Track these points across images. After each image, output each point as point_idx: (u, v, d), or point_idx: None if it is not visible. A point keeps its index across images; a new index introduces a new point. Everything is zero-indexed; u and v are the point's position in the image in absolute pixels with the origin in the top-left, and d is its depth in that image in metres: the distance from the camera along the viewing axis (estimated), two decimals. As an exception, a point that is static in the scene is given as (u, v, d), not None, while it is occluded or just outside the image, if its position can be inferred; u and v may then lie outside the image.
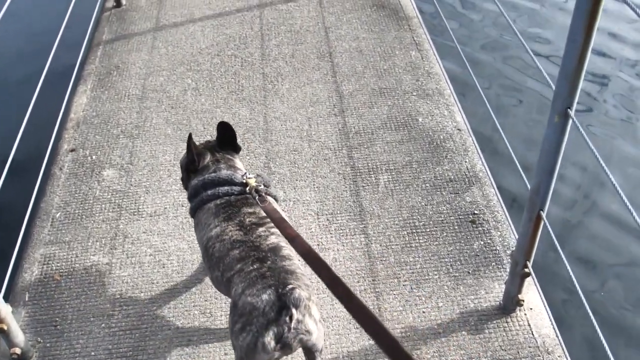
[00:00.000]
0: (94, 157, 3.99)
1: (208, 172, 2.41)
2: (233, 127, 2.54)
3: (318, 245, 3.26)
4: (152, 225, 3.50)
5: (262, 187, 2.30)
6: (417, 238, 3.24)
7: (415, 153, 3.74)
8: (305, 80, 4.40)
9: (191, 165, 2.48)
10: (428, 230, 3.28)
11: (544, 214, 2.38)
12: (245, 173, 2.37)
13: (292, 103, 4.20)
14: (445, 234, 3.25)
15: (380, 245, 3.23)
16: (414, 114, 4.02)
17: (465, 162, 3.66)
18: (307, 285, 2.03)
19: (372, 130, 3.92)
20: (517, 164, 2.84)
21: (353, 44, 4.73)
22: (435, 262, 3.12)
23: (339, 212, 3.44)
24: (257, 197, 2.22)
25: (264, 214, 2.22)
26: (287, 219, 2.24)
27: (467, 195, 3.46)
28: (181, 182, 2.82)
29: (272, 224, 2.15)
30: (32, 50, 6.11)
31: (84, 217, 3.61)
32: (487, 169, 3.57)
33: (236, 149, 2.59)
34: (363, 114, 4.05)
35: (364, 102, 4.15)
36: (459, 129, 3.88)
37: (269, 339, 1.88)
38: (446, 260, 3.12)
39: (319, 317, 2.01)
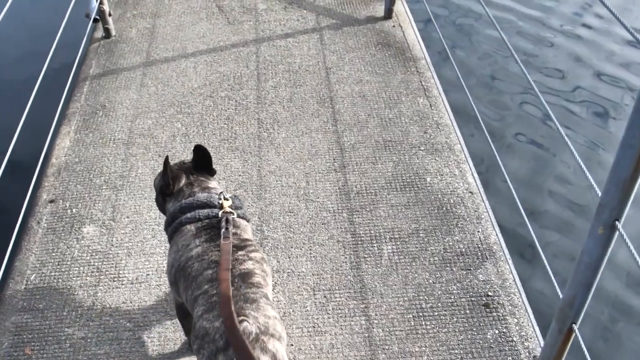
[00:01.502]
0: (74, 210, 3.69)
1: (184, 196, 2.40)
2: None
3: (314, 327, 2.96)
4: (132, 295, 3.19)
5: (234, 214, 2.29)
6: (423, 323, 2.94)
7: (422, 219, 3.44)
8: (304, 128, 4.09)
9: (166, 188, 2.47)
10: (436, 314, 2.98)
11: (576, 327, 2.08)
12: (221, 193, 2.37)
13: (289, 155, 3.90)
14: (455, 320, 2.95)
15: (383, 330, 2.93)
16: (422, 172, 3.72)
17: (478, 232, 3.36)
18: (270, 317, 1.96)
19: (376, 191, 3.62)
20: (535, 239, 2.57)
21: (356, 88, 4.43)
22: (444, 353, 2.82)
23: (337, 287, 3.13)
24: (223, 230, 2.18)
25: (245, 237, 2.26)
26: (251, 237, 2.34)
27: (480, 273, 3.16)
28: (156, 205, 2.76)
29: (252, 247, 2.20)
30: (18, 80, 5.82)
31: (60, 280, 3.31)
32: (502, 242, 3.28)
33: (211, 172, 2.58)
34: (366, 171, 3.75)
35: (367, 157, 3.85)
36: (470, 192, 3.58)
37: None
38: (456, 351, 2.82)
39: (280, 353, 1.91)
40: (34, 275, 3.35)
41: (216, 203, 2.31)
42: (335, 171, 3.76)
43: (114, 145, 4.12)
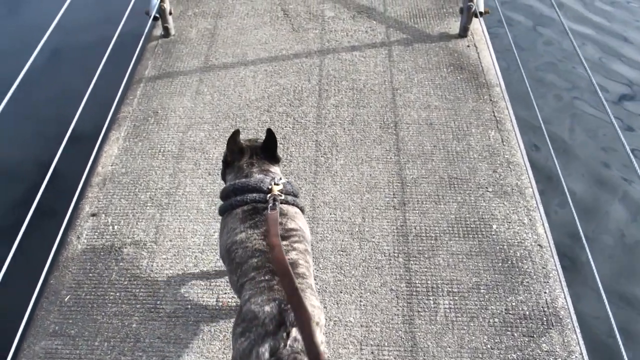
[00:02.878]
0: (116, 227, 3.50)
1: (241, 174, 2.45)
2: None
3: (359, 390, 2.70)
4: (168, 329, 2.99)
5: (284, 196, 2.30)
6: (480, 398, 2.66)
7: (484, 273, 3.15)
8: (364, 156, 3.83)
9: (227, 158, 2.55)
10: (494, 388, 2.69)
11: None
12: (275, 179, 2.37)
13: (346, 185, 3.64)
14: (515, 398, 2.66)
15: (435, 401, 2.65)
16: (488, 217, 3.42)
17: (545, 293, 3.05)
18: (315, 307, 2.03)
19: (436, 235, 3.34)
20: (607, 304, 2.28)
21: (423, 114, 4.14)
22: None
23: (386, 343, 2.88)
24: (269, 205, 2.22)
25: (290, 226, 2.25)
26: (307, 235, 2.36)
27: (543, 341, 2.86)
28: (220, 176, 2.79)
29: (297, 238, 2.21)
30: (73, 78, 5.67)
31: (95, 305, 3.13)
32: (570, 307, 2.96)
33: (275, 158, 2.56)
34: (427, 211, 3.47)
35: (430, 195, 3.56)
36: (540, 245, 3.27)
37: (264, 350, 1.89)
38: None
39: (320, 340, 1.94)
40: (68, 297, 3.18)
41: (265, 188, 2.32)
42: (394, 208, 3.49)
43: (163, 158, 3.92)
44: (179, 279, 3.20)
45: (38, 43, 3.11)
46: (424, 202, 3.52)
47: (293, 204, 2.35)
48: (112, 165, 3.90)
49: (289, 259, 2.08)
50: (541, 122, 3.25)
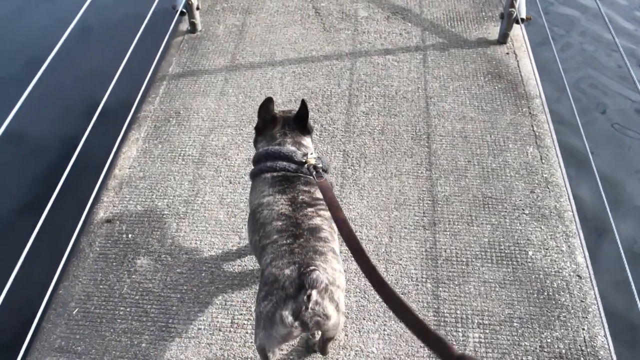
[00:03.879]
0: (130, 235, 3.33)
1: (273, 142, 2.48)
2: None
3: None
4: (179, 351, 2.82)
5: (320, 167, 2.33)
6: None
7: (518, 304, 2.93)
8: (394, 169, 3.61)
9: (258, 124, 2.61)
10: None
11: None
12: (307, 153, 2.40)
13: (374, 201, 3.44)
14: None
15: None
16: (523, 242, 3.20)
17: (583, 330, 2.83)
18: (335, 270, 2.08)
19: (468, 260, 3.12)
20: None
21: (458, 126, 3.91)
22: None
23: (412, 380, 2.67)
24: (314, 173, 2.26)
25: (317, 196, 2.28)
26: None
27: (582, 386, 2.64)
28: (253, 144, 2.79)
29: (323, 206, 2.23)
30: (97, 72, 5.52)
31: (104, 320, 2.96)
32: (611, 347, 2.74)
33: (304, 130, 2.58)
34: (458, 232, 3.25)
35: (462, 215, 3.34)
36: (579, 276, 3.05)
37: (287, 313, 1.95)
38: None
39: (341, 304, 2.07)
40: (76, 310, 3.02)
41: (296, 159, 2.37)
42: (423, 228, 3.28)
43: (183, 162, 3.74)
44: (193, 296, 3.03)
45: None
46: (456, 223, 3.30)
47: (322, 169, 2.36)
48: (129, 168, 3.73)
49: (313, 224, 2.16)
50: (585, 142, 3.03)
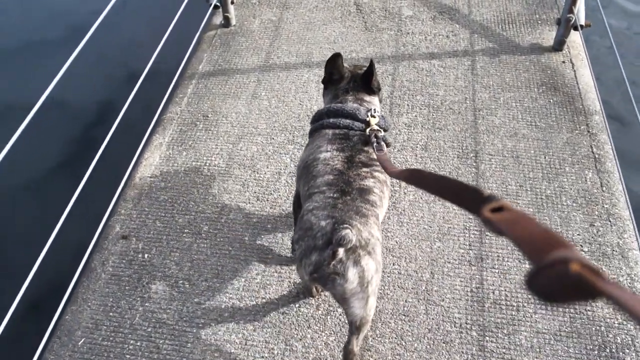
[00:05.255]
0: (146, 255, 3.05)
1: (337, 99, 2.47)
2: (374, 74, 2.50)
3: None
4: (193, 396, 2.52)
5: (381, 132, 2.28)
6: None
7: (576, 362, 2.58)
8: (437, 192, 3.26)
9: (324, 78, 2.59)
10: None
11: None
12: (371, 110, 2.35)
13: (414, 228, 3.10)
14: None
15: None
16: (581, 286, 2.83)
17: (650, 397, 2.48)
18: (373, 236, 2.01)
19: (518, 304, 2.78)
20: None
21: (509, 144, 3.56)
22: None
23: None
24: (375, 144, 2.18)
25: (374, 157, 2.20)
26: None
27: None
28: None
29: (379, 168, 2.16)
30: (124, 71, 5.26)
31: (111, 356, 2.70)
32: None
33: (369, 90, 2.52)
34: (509, 271, 2.91)
35: (513, 249, 3.00)
36: (645, 331, 2.69)
37: (309, 263, 1.95)
38: None
39: (368, 273, 1.98)
40: (82, 340, 2.75)
41: (360, 117, 2.33)
42: (469, 264, 2.94)
43: (208, 174, 3.44)
44: (211, 332, 2.73)
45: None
46: (506, 259, 2.96)
47: (383, 140, 2.26)
48: (150, 177, 3.44)
49: (364, 185, 2.12)
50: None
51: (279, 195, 3.30)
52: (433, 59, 4.21)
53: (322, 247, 1.93)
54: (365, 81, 2.51)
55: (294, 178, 3.39)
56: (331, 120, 2.35)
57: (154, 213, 3.27)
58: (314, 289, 2.74)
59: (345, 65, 2.59)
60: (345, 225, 1.90)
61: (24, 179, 4.51)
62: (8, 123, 3.86)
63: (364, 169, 2.18)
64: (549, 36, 4.40)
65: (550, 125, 3.68)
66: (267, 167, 3.47)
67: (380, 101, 2.67)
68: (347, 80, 2.52)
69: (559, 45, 4.28)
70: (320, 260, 1.94)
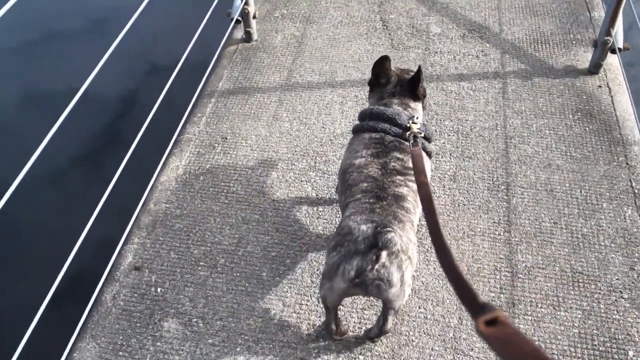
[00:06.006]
0: (160, 289, 2.90)
1: (380, 102, 2.48)
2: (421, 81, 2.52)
3: None
4: None
5: (422, 136, 2.27)
6: None
7: None
8: (466, 227, 3.10)
9: (371, 80, 2.62)
10: None
11: None
12: (414, 117, 2.35)
13: (441, 268, 2.91)
14: None
15: None
16: (622, 338, 2.67)
17: None
18: (411, 241, 2.04)
19: (553, 358, 2.59)
20: None
21: (542, 176, 3.37)
22: None
23: None
24: (411, 141, 2.18)
25: (410, 166, 2.19)
26: (429, 178, 2.26)
27: None
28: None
29: (413, 178, 2.11)
30: (145, 86, 5.14)
31: (119, 399, 2.52)
32: None
33: (415, 96, 2.53)
34: (542, 318, 2.73)
35: (547, 294, 2.82)
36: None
37: (350, 268, 1.94)
38: None
39: (407, 275, 2.01)
40: (90, 382, 2.58)
41: (399, 122, 2.32)
42: (500, 309, 2.75)
43: (226, 201, 3.29)
44: (225, 378, 2.57)
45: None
46: (539, 305, 2.78)
47: (423, 149, 2.28)
48: (166, 203, 3.29)
49: (399, 192, 2.13)
50: None
51: (300, 226, 3.14)
52: (462, 81, 4.04)
53: (364, 251, 1.92)
54: (411, 86, 2.52)
55: (315, 208, 3.23)
56: (370, 123, 2.36)
57: (169, 243, 3.12)
58: (333, 327, 2.55)
59: (392, 68, 2.60)
60: (389, 229, 1.91)
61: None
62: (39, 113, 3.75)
63: (399, 177, 2.18)
64: (584, 58, 4.21)
65: (586, 156, 3.49)
66: (288, 196, 3.31)
67: (424, 108, 2.67)
68: (393, 83, 2.53)
69: (595, 68, 4.09)
70: (362, 265, 1.93)
